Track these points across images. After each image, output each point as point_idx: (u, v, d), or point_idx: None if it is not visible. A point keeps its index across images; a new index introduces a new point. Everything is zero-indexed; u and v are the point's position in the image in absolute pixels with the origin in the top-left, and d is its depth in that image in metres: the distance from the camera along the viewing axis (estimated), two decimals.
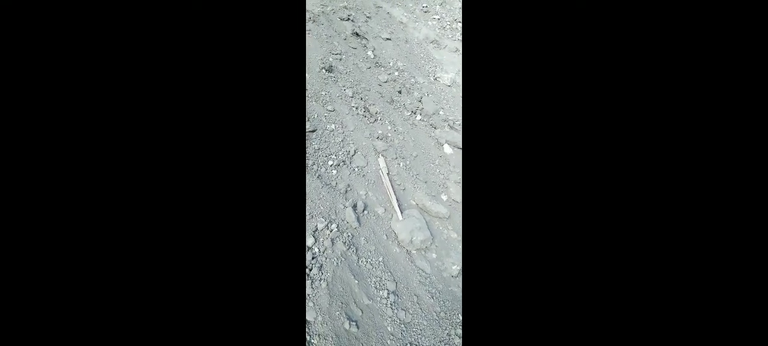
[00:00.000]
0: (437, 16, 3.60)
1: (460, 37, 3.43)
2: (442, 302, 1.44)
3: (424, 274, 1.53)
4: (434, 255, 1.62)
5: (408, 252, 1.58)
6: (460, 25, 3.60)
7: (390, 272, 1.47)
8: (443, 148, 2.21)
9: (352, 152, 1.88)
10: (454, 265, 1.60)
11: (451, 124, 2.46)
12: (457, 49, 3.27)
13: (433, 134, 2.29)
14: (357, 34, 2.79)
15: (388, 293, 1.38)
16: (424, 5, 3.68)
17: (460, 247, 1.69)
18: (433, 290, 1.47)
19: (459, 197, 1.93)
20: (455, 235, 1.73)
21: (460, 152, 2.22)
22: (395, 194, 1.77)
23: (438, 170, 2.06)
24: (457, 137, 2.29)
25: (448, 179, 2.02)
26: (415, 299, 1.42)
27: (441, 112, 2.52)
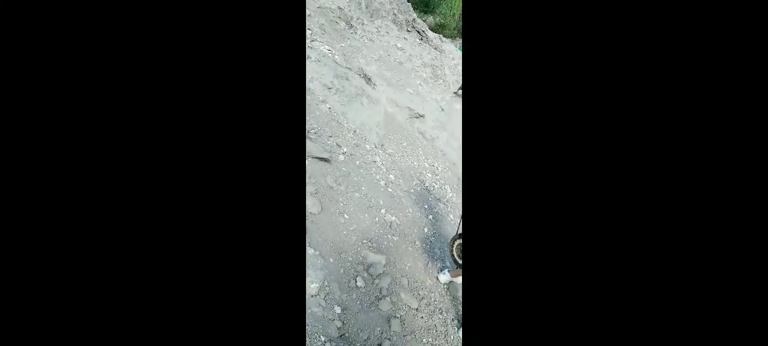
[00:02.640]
0: None
1: (310, 45, 3.39)
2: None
3: None
4: None
5: None
6: (309, 32, 3.57)
7: None
8: None
9: None
10: (313, 283, 1.50)
11: (306, 133, 2.36)
12: (308, 56, 3.20)
13: None
14: None
15: None
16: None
17: (319, 261, 1.61)
18: None
19: (316, 209, 1.85)
20: (312, 250, 1.63)
21: (315, 161, 2.14)
22: None
23: None
24: (312, 147, 2.21)
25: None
26: None
27: None
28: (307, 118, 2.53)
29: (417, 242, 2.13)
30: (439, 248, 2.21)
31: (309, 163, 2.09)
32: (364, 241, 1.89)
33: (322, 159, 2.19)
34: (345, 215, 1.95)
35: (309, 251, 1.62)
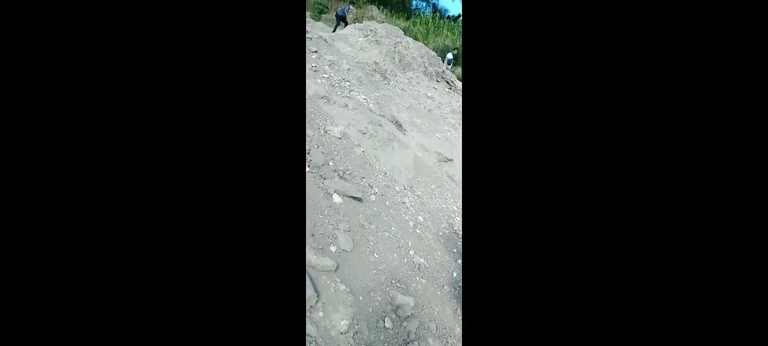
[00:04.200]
0: (326, 75, 3.88)
1: (348, 95, 3.75)
2: None
3: (309, 338, 1.41)
4: (321, 313, 1.53)
5: None
6: (348, 83, 3.97)
7: None
8: (332, 198, 2.24)
9: None
10: (343, 320, 1.54)
11: (341, 173, 2.55)
12: (346, 105, 3.54)
13: (322, 185, 2.31)
14: None
15: None
16: (314, 66, 3.92)
17: (350, 298, 1.66)
18: None
19: (348, 246, 1.94)
20: (343, 286, 1.70)
21: (349, 200, 2.29)
22: None
23: (327, 221, 2.04)
24: (347, 186, 2.38)
25: (337, 229, 2.03)
26: None
27: (330, 163, 2.60)
28: (342, 160, 2.74)
29: (445, 287, 2.11)
30: None
31: (344, 201, 2.24)
32: (393, 281, 1.92)
33: (355, 198, 2.33)
34: (375, 254, 2.02)
35: (340, 286, 1.69)
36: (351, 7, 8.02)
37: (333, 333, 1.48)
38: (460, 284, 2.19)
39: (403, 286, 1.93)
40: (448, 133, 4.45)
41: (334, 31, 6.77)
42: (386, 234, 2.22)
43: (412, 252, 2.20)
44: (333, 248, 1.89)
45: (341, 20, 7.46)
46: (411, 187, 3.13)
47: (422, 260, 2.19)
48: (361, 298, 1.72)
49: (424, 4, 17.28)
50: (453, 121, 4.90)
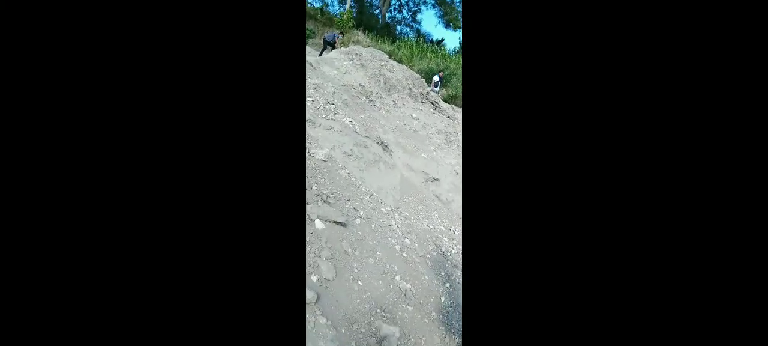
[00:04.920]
0: (311, 99, 3.89)
1: (333, 117, 3.76)
2: None
3: None
4: None
5: None
6: (333, 106, 3.98)
7: None
8: (315, 224, 2.17)
9: None
10: None
11: (325, 198, 2.49)
12: (331, 127, 3.53)
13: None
14: None
15: None
16: None
17: (331, 332, 1.56)
18: None
19: (330, 274, 1.86)
20: (324, 319, 1.60)
21: (332, 225, 2.22)
22: None
23: (308, 249, 1.96)
24: (330, 211, 2.31)
25: (319, 257, 1.95)
26: None
27: (314, 187, 2.54)
28: (327, 183, 2.69)
29: (433, 313, 2.03)
30: (457, 321, 2.07)
31: (326, 227, 2.17)
32: (378, 310, 1.83)
33: (338, 223, 2.26)
34: (359, 282, 1.93)
35: (321, 320, 1.59)
36: (340, 36, 8.27)
37: None
38: (449, 310, 2.12)
39: (388, 315, 1.84)
40: (434, 153, 4.48)
41: (320, 55, 6.90)
42: (371, 260, 2.14)
43: (398, 278, 2.13)
44: (314, 278, 1.80)
45: (328, 45, 7.63)
46: (398, 208, 3.08)
47: (409, 286, 2.11)
48: (343, 331, 1.62)
49: (408, 29, 18.03)
50: (438, 141, 4.96)
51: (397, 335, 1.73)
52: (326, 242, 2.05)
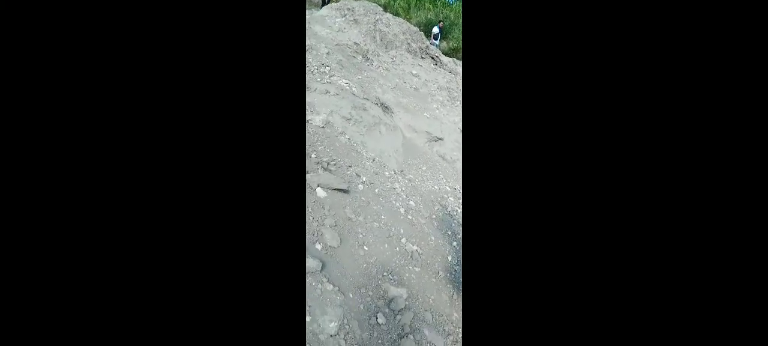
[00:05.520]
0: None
1: (329, 80, 3.56)
2: None
3: None
4: (308, 318, 1.45)
5: None
6: (328, 68, 3.76)
7: None
8: (316, 192, 2.12)
9: None
10: (332, 322, 1.46)
11: (325, 165, 2.42)
12: (327, 91, 3.36)
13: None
14: None
15: None
16: None
17: (338, 298, 1.58)
18: None
19: (335, 242, 1.84)
20: (331, 286, 1.61)
21: (334, 192, 2.17)
22: None
23: (311, 218, 1.94)
24: (331, 179, 2.26)
25: (322, 225, 1.92)
26: None
27: (313, 155, 2.46)
28: (326, 150, 2.60)
29: (440, 273, 2.04)
30: None
31: (328, 195, 2.12)
32: (385, 273, 1.84)
33: (341, 190, 2.21)
34: (365, 247, 1.93)
35: (327, 286, 1.60)
36: None
37: (322, 337, 1.41)
38: (456, 269, 2.13)
39: (395, 277, 1.85)
40: (437, 112, 4.30)
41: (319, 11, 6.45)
42: (376, 224, 2.12)
43: (404, 240, 2.12)
44: (318, 246, 1.79)
45: (325, 1, 7.13)
46: (401, 171, 3.01)
47: (415, 248, 2.11)
48: (350, 295, 1.64)
49: None
50: (441, 98, 4.73)
51: (405, 295, 1.75)
52: (329, 210, 2.02)
